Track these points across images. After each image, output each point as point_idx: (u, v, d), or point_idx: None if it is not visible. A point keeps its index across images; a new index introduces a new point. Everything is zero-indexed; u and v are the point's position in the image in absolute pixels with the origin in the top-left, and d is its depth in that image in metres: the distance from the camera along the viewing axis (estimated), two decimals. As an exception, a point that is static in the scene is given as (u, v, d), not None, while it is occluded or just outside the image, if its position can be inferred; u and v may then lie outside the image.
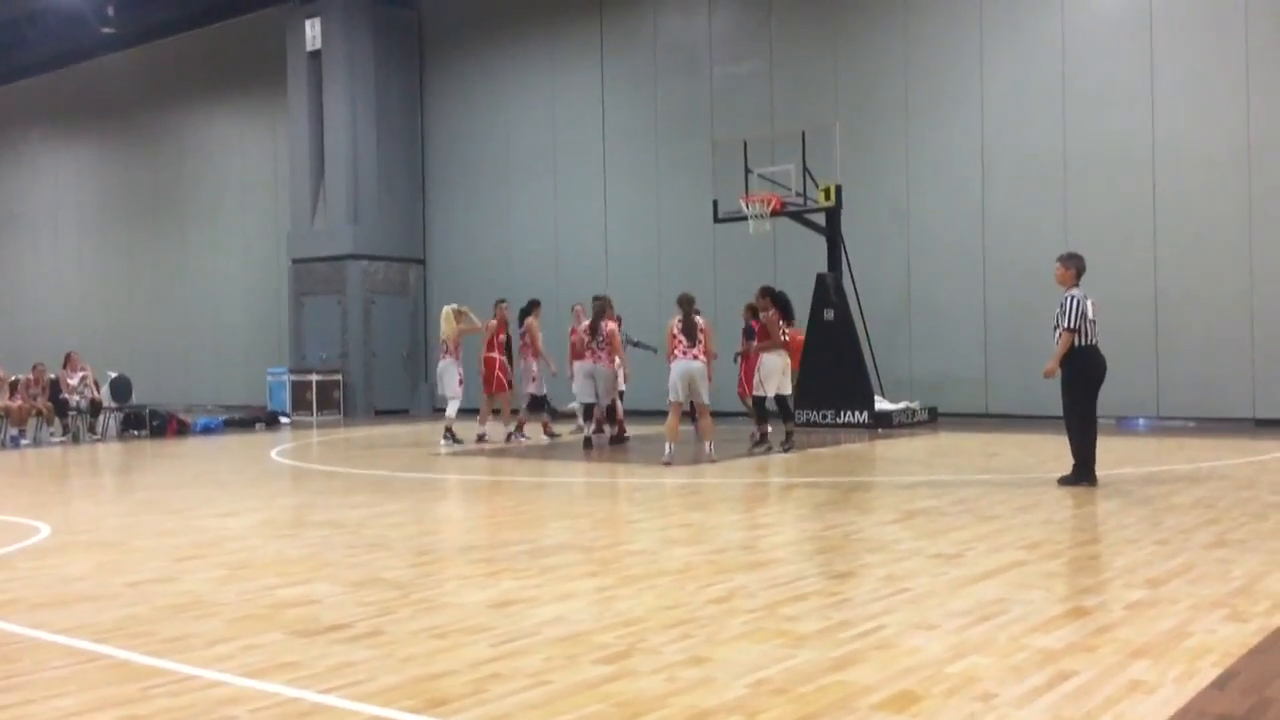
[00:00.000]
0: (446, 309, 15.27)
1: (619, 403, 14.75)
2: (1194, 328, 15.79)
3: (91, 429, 18.06)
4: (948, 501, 8.67)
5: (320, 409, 22.12)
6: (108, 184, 29.78)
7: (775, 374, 12.84)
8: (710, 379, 12.27)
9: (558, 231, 22.10)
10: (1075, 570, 6.12)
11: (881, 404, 16.36)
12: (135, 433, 18.56)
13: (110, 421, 18.77)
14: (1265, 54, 15.32)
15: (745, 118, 19.17)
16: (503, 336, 15.01)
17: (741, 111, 19.45)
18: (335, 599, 5.65)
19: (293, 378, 22.80)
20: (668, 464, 11.67)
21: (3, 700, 4.06)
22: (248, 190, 26.51)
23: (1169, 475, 10.11)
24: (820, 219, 16.82)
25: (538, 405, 15.39)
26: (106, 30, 25.82)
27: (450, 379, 15.02)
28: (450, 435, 14.72)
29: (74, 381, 17.96)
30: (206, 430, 19.15)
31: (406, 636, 4.84)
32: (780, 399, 12.97)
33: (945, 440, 14.47)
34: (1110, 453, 11.18)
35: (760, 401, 13.21)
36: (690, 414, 12.36)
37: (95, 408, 18.16)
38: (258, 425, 20.38)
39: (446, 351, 15.09)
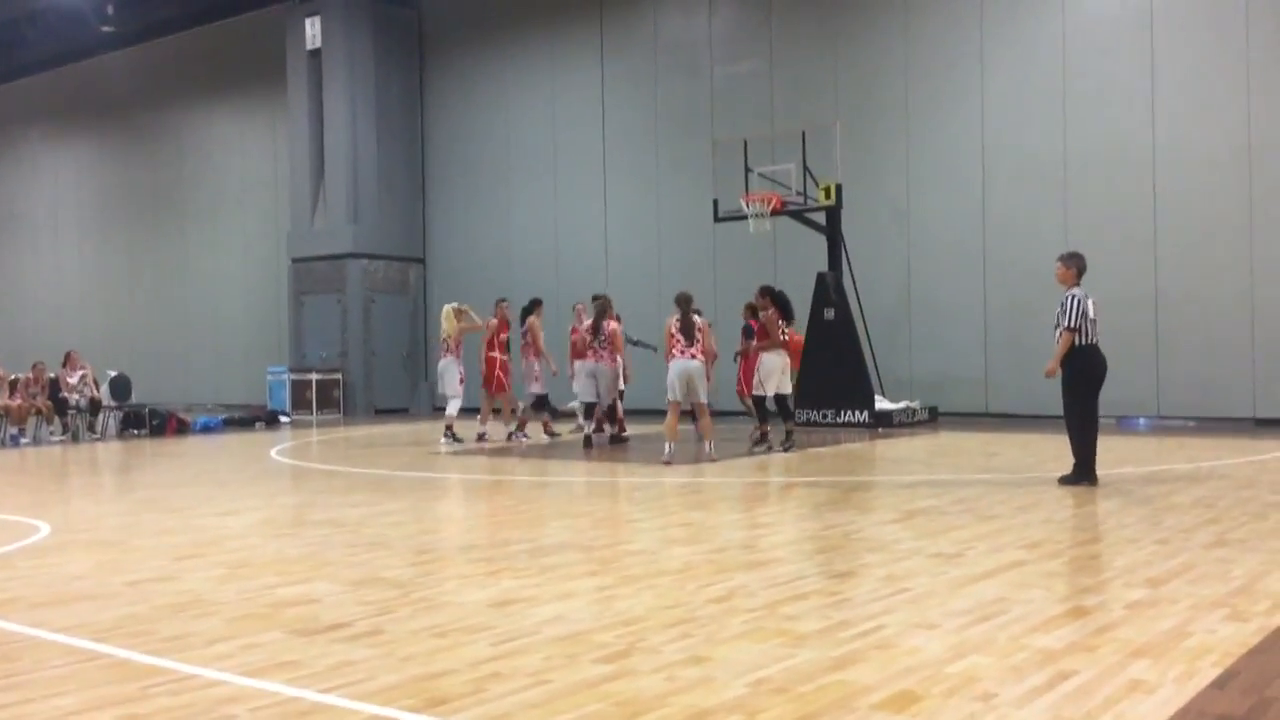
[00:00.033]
0: (447, 307, 15.28)
1: (619, 402, 14.76)
2: (1194, 327, 15.79)
3: (91, 428, 18.07)
4: (948, 501, 8.66)
5: (320, 408, 22.12)
6: (108, 183, 29.78)
7: (775, 373, 12.84)
8: (710, 379, 12.27)
9: (558, 231, 22.10)
10: (1075, 570, 6.12)
11: (882, 403, 16.36)
12: (135, 432, 18.56)
13: (110, 420, 18.77)
14: (1266, 54, 15.31)
15: (745, 117, 19.16)
16: (504, 336, 15.01)
17: (742, 111, 19.45)
18: (335, 598, 5.65)
19: (293, 377, 22.80)
20: (668, 463, 11.67)
21: (2, 699, 4.06)
22: (248, 189, 26.51)
23: (1169, 475, 10.11)
24: (820, 218, 16.82)
25: (541, 405, 15.40)
26: (106, 29, 25.84)
27: (451, 377, 15.02)
28: (450, 434, 14.73)
29: (74, 380, 17.96)
30: (206, 429, 19.15)
31: (406, 636, 4.84)
32: (780, 398, 12.97)
33: (945, 440, 14.47)
34: (1110, 452, 11.18)
35: (760, 401, 13.21)
36: (690, 413, 12.35)
37: (95, 407, 18.16)
38: (257, 424, 20.38)
39: (448, 350, 15.09)
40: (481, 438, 14.86)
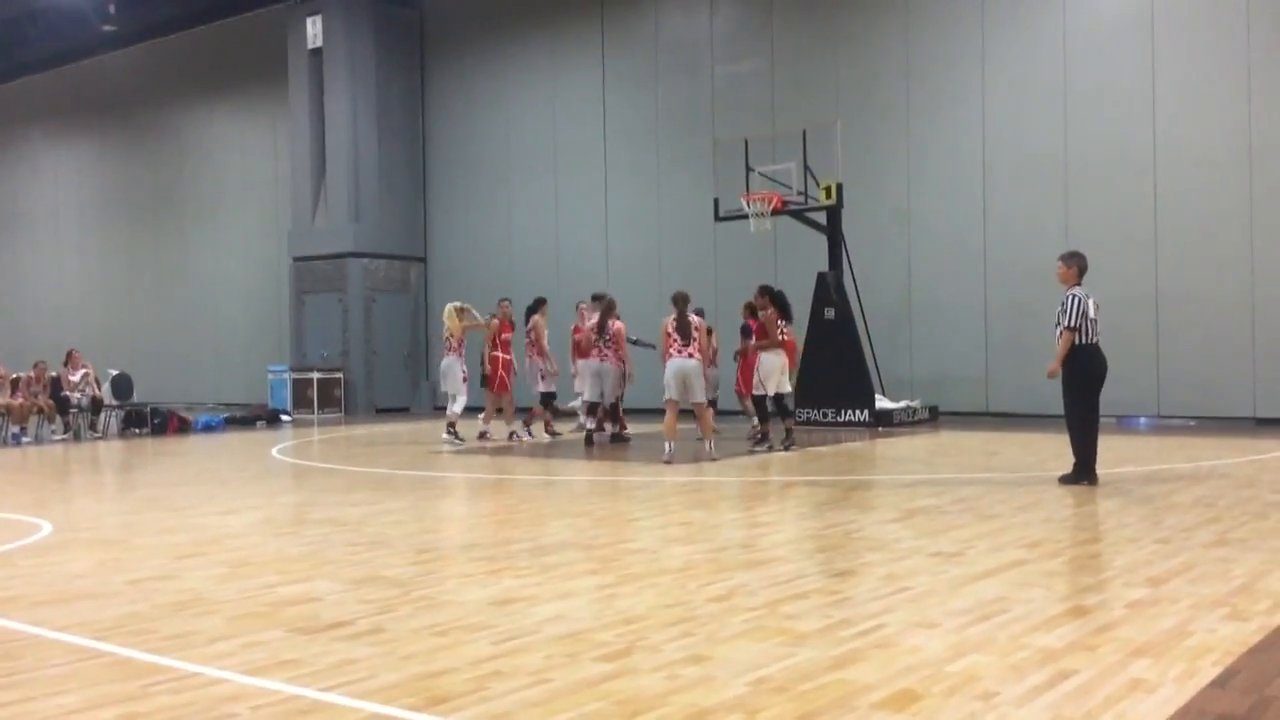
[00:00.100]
0: (449, 306, 15.26)
1: (619, 401, 14.76)
2: (1195, 327, 15.79)
3: (92, 427, 18.07)
4: (948, 500, 8.67)
5: (321, 407, 22.13)
6: (108, 182, 29.79)
7: (774, 373, 12.85)
8: (708, 379, 12.25)
9: (558, 230, 22.10)
10: (1076, 569, 6.12)
11: (882, 402, 16.37)
12: (136, 430, 18.56)
13: (111, 419, 18.77)
14: (1266, 54, 15.31)
15: (746, 116, 19.16)
16: (506, 336, 15.00)
17: (742, 110, 19.45)
18: (336, 597, 5.66)
19: (294, 376, 22.81)
20: (668, 462, 11.68)
21: (4, 697, 4.07)
22: (249, 188, 26.52)
23: (1170, 474, 10.11)
24: (821, 218, 16.81)
25: (548, 403, 15.39)
26: (107, 28, 25.84)
27: (454, 376, 15.00)
28: (452, 433, 14.73)
29: (75, 379, 17.97)
30: (207, 428, 19.15)
31: (407, 634, 4.85)
32: (780, 397, 12.98)
33: (946, 439, 14.47)
34: (1111, 451, 11.17)
35: (760, 400, 13.21)
36: (688, 412, 12.35)
37: (96, 405, 18.17)
38: (259, 423, 20.39)
39: (450, 349, 15.08)
40: (483, 436, 14.87)
